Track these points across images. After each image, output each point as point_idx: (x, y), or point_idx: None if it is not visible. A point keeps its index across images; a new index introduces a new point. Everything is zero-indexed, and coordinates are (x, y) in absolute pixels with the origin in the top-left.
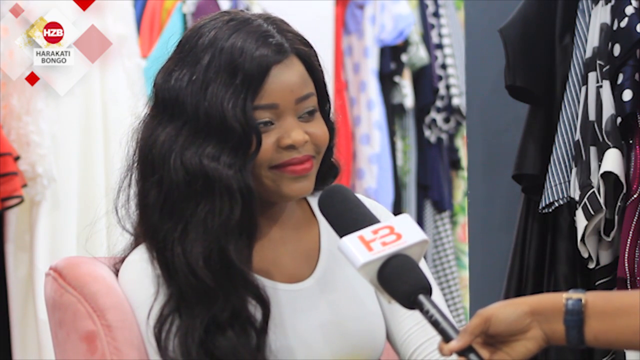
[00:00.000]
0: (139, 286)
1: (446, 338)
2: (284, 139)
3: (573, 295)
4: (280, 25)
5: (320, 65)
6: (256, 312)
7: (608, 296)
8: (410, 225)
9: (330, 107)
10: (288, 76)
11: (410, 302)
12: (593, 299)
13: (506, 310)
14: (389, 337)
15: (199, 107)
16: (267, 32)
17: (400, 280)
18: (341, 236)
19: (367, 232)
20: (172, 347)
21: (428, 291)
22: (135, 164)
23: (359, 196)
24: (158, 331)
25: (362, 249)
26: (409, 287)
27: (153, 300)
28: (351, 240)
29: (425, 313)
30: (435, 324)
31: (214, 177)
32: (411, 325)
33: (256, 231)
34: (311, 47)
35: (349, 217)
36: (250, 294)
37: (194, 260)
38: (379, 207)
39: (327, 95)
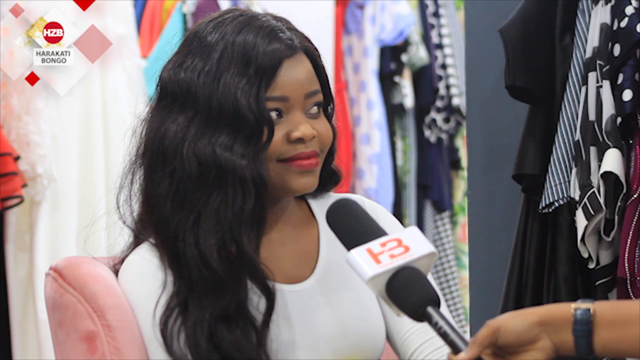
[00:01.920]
0: (140, 286)
1: (455, 350)
2: (294, 132)
3: (581, 305)
4: (288, 24)
5: (324, 66)
6: (259, 304)
7: (616, 305)
8: (418, 238)
9: (333, 108)
10: (298, 71)
11: (418, 315)
12: (601, 308)
13: (515, 321)
14: (388, 338)
15: (211, 97)
16: (278, 27)
17: (408, 292)
18: (349, 249)
19: (375, 245)
20: (178, 341)
21: (436, 303)
22: (140, 159)
23: (359, 197)
24: (164, 324)
25: (370, 262)
26: (418, 300)
27: (158, 296)
28: (359, 253)
29: (434, 325)
30: (444, 335)
31: (228, 167)
32: (411, 326)
33: (265, 223)
34: (316, 48)
35: (356, 230)
36: (258, 284)
37: (208, 251)
38: (380, 208)
39: (331, 95)
